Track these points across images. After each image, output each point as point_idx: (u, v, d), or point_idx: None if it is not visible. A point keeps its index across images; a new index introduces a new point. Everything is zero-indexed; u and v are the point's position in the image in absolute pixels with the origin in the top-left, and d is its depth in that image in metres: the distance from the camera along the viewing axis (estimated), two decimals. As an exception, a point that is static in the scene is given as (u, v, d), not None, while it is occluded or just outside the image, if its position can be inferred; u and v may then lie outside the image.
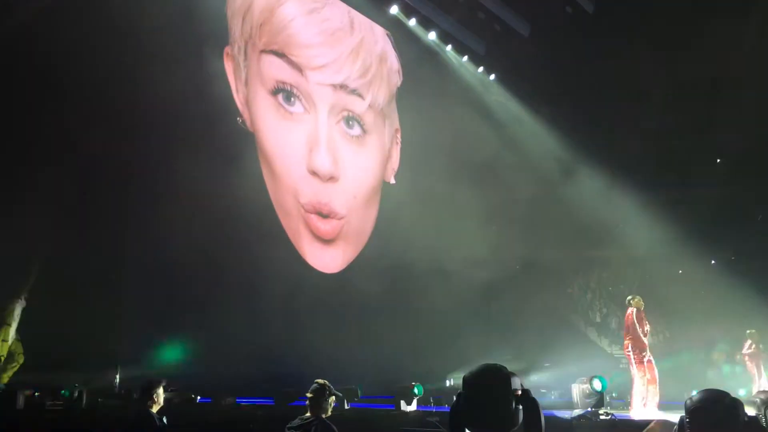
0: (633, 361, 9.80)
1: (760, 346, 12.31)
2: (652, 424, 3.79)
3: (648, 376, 9.74)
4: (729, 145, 17.27)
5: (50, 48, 9.88)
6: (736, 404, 2.75)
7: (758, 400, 3.66)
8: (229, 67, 12.99)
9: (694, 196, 17.51)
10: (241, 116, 13.11)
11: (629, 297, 10.34)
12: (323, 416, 4.97)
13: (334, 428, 4.85)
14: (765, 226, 18.28)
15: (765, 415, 3.40)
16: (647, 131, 17.00)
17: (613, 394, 12.28)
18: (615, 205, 16.80)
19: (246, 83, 13.20)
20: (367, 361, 12.60)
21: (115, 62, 10.41)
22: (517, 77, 17.13)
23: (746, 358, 12.44)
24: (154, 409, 5.68)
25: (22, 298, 10.68)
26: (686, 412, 2.83)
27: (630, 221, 17.37)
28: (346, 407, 9.55)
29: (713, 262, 18.72)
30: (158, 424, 5.57)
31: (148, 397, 5.66)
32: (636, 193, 16.61)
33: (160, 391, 5.72)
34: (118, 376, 10.70)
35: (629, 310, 10.07)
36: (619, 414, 8.98)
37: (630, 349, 9.87)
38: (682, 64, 15.73)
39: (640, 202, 16.76)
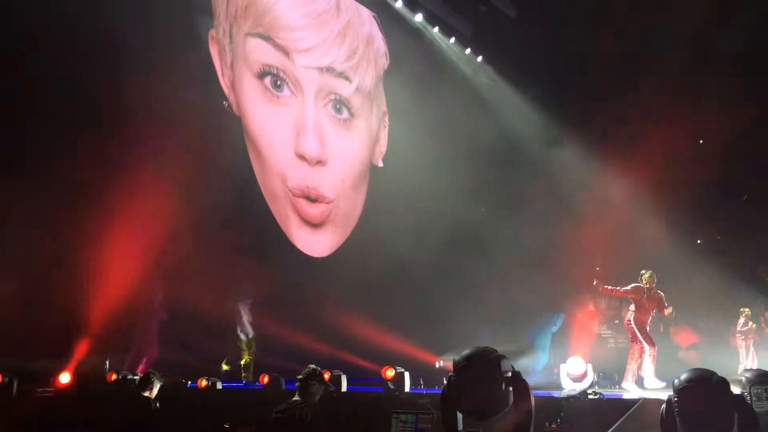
0: (638, 334, 9.77)
1: (753, 325, 12.43)
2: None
3: (648, 349, 9.73)
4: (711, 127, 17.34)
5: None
6: (723, 383, 2.83)
7: (743, 378, 3.71)
8: (214, 50, 12.87)
9: (676, 178, 17.62)
10: (227, 100, 13.01)
11: (642, 272, 10.19)
12: (311, 401, 5.02)
13: (320, 412, 4.89)
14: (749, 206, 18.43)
15: (750, 393, 3.46)
16: (634, 113, 17.02)
17: (600, 374, 12.40)
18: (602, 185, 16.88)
19: (231, 67, 13.09)
20: (357, 344, 12.68)
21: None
22: (504, 59, 17.09)
23: (739, 336, 12.54)
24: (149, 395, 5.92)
25: None
26: (674, 391, 2.88)
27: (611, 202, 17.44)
28: (339, 388, 9.60)
29: (699, 241, 18.90)
30: (152, 408, 5.89)
31: (147, 385, 5.88)
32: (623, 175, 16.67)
33: (156, 381, 6.05)
34: (107, 363, 10.71)
35: (636, 286, 9.97)
36: (608, 393, 9.09)
37: (633, 322, 9.85)
38: (667, 45, 15.70)
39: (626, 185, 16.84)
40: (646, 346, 9.78)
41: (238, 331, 12.61)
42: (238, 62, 13.17)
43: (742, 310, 12.72)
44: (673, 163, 18.04)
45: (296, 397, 5.05)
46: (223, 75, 13.04)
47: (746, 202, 18.67)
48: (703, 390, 2.81)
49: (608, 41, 15.88)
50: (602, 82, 16.77)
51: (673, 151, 17.80)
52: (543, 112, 16.76)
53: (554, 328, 14.18)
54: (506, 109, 16.96)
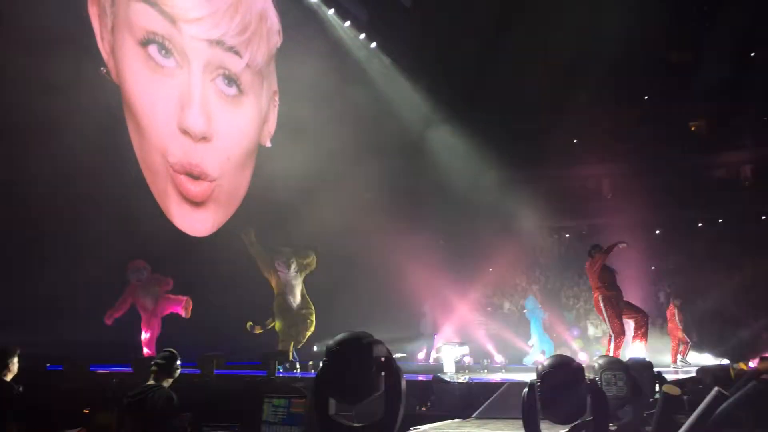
0: (606, 315, 9.66)
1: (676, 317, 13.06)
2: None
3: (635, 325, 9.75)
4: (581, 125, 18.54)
5: None
6: (580, 369, 3.09)
7: (596, 365, 4.03)
8: (93, 12, 12.07)
9: (550, 174, 18.71)
10: (105, 66, 12.26)
11: (591, 247, 10.10)
12: (165, 384, 4.96)
13: (173, 394, 4.86)
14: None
15: (601, 378, 3.78)
16: (518, 109, 17.81)
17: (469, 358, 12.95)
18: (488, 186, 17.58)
19: (112, 31, 12.33)
20: (235, 326, 12.47)
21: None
22: (397, 47, 17.26)
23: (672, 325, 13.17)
24: (9, 377, 5.48)
25: None
26: (538, 376, 3.08)
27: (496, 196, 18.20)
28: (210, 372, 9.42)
29: (567, 236, 20.13)
30: (15, 392, 5.39)
31: (3, 365, 5.43)
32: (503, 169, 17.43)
33: (15, 359, 5.53)
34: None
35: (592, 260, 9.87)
36: (476, 377, 9.50)
37: (602, 301, 9.72)
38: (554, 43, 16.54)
39: (505, 178, 17.64)
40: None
41: None
42: (119, 27, 12.43)
43: (674, 301, 13.34)
44: (548, 158, 19.10)
45: (150, 381, 4.96)
46: (102, 39, 12.25)
47: (610, 198, 20.08)
48: (563, 375, 3.03)
49: (500, 37, 16.55)
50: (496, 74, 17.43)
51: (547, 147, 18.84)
52: (431, 102, 17.15)
53: (542, 315, 14.47)
54: (397, 96, 17.18)
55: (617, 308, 9.77)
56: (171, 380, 5.04)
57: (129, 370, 9.74)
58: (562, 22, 16.12)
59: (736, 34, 16.97)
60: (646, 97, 20.47)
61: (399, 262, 15.40)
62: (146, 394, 4.86)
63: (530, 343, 14.36)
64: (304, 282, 13.08)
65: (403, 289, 15.33)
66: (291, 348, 12.38)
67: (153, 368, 5.02)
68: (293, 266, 12.79)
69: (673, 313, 12.89)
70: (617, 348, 9.70)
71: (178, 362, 5.12)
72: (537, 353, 13.75)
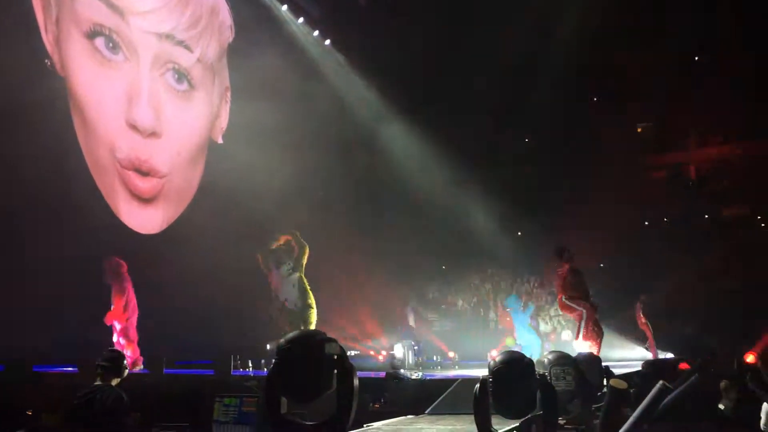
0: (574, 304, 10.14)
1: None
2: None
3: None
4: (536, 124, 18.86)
5: None
6: (531, 365, 3.16)
7: (546, 360, 4.09)
8: (37, 2, 11.64)
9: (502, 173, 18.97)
10: (50, 58, 11.85)
11: (560, 250, 10.50)
12: (112, 384, 4.89)
13: (122, 394, 4.80)
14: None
15: (550, 373, 3.85)
16: (470, 108, 17.96)
17: (434, 357, 13.09)
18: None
19: (57, 22, 11.92)
20: (186, 325, 12.23)
21: None
22: (350, 45, 17.21)
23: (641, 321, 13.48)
24: None
25: None
26: (490, 372, 3.12)
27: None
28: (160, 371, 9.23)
29: (519, 233, 20.40)
30: None
31: None
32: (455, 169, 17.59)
33: None
34: None
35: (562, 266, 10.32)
36: (429, 374, 9.57)
37: (568, 301, 10.22)
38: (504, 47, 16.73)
39: (458, 177, 17.79)
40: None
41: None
42: (65, 18, 12.03)
43: (641, 297, 13.67)
44: (501, 159, 19.37)
45: (97, 381, 4.88)
46: (46, 30, 11.83)
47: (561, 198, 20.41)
48: (514, 371, 3.09)
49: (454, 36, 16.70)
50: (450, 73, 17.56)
51: (500, 148, 19.11)
52: (384, 100, 17.18)
53: (528, 311, 14.52)
54: (350, 94, 17.14)
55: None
56: (119, 379, 4.96)
57: (74, 370, 9.47)
58: (514, 22, 16.35)
59: (682, 39, 17.53)
60: (595, 99, 20.92)
61: (353, 261, 15.41)
62: (95, 395, 4.77)
63: (519, 342, 14.49)
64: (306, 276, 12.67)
65: (359, 288, 15.35)
66: None
67: (99, 370, 4.93)
68: (284, 266, 12.52)
69: (639, 309, 13.36)
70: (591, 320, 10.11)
71: (125, 362, 5.06)
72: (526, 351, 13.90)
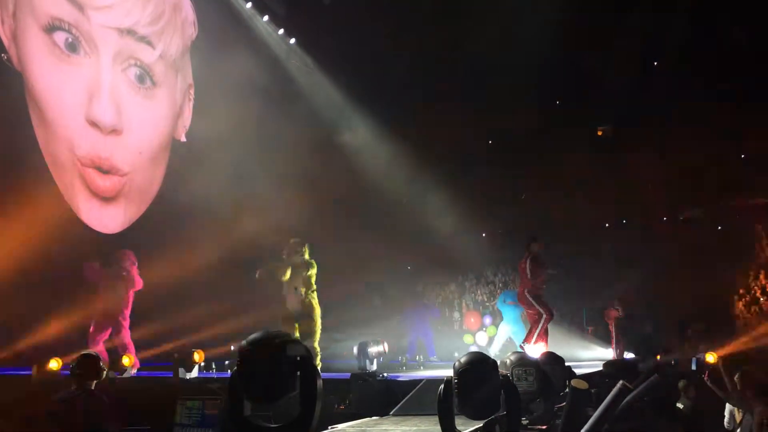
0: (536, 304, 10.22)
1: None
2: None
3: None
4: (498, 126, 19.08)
5: None
6: (495, 365, 3.20)
7: (508, 361, 4.16)
8: (-7, -7, 11.33)
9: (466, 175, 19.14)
10: (6, 52, 11.53)
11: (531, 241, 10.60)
12: (90, 388, 4.77)
13: (104, 398, 4.70)
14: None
15: (512, 374, 3.92)
16: (437, 109, 18.05)
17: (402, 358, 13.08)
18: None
19: (13, 15, 11.60)
20: (144, 326, 12.00)
21: None
22: (316, 43, 17.15)
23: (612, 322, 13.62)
24: None
25: None
26: (455, 373, 3.13)
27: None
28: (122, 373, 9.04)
29: (483, 234, 20.60)
30: None
31: None
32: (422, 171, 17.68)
33: None
34: None
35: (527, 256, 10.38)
36: (392, 374, 9.58)
37: (532, 298, 10.29)
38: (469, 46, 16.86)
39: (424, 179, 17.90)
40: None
41: None
42: (22, 11, 11.71)
43: (619, 296, 13.85)
44: (466, 160, 19.54)
45: (73, 387, 4.77)
46: (3, 23, 11.51)
47: (524, 199, 20.72)
48: (479, 372, 3.12)
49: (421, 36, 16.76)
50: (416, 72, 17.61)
51: (465, 150, 19.26)
52: (350, 100, 17.17)
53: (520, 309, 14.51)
54: (316, 94, 17.08)
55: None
56: (96, 382, 4.87)
57: (28, 372, 9.19)
58: (477, 23, 16.50)
59: (644, 43, 17.91)
60: (557, 102, 21.21)
61: (319, 262, 15.28)
62: (74, 401, 4.66)
63: (514, 339, 14.51)
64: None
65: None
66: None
67: (76, 372, 4.83)
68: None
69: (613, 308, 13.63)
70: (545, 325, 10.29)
71: (102, 363, 4.98)
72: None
